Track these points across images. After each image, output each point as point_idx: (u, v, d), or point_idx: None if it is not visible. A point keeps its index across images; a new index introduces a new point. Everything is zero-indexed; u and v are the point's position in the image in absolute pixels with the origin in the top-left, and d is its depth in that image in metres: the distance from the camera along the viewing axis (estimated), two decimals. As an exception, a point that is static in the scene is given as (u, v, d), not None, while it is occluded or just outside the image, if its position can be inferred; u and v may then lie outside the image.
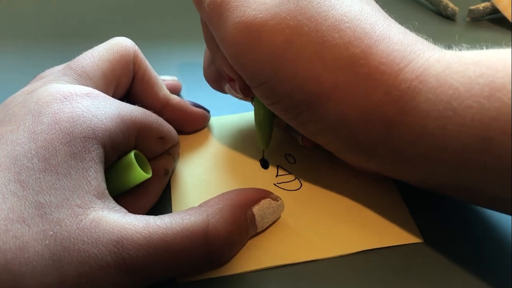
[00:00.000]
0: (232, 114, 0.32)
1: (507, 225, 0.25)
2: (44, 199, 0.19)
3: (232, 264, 0.23)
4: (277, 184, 0.27)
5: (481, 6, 0.41)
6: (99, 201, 0.20)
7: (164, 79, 0.31)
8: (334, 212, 0.26)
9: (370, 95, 0.21)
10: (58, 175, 0.19)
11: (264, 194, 0.24)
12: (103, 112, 0.22)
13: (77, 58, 0.25)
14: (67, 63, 0.26)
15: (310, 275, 0.23)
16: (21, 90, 0.24)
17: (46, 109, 0.21)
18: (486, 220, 0.25)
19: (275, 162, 0.29)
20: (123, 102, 0.24)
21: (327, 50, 0.22)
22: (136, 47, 0.28)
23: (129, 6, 0.45)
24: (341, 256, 0.24)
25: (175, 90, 0.33)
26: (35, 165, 0.19)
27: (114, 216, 0.20)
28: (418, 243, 0.24)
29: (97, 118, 0.21)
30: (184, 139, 0.30)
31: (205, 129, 0.31)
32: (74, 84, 0.24)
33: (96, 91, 0.23)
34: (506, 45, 0.21)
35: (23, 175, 0.19)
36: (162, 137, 0.25)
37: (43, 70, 0.27)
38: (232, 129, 0.31)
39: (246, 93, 0.26)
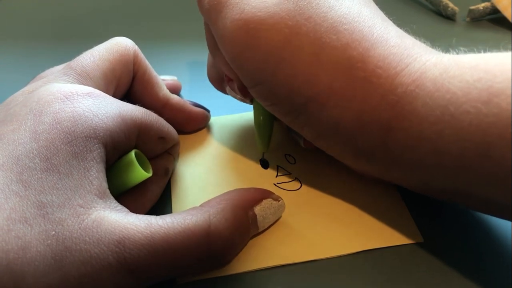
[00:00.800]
0: (232, 114, 0.32)
1: (507, 225, 0.25)
2: (46, 199, 0.19)
3: (232, 264, 0.23)
4: (277, 184, 0.27)
5: (481, 6, 0.41)
6: (101, 200, 0.20)
7: (164, 79, 0.31)
8: (334, 212, 0.26)
9: (367, 99, 0.21)
10: (60, 175, 0.19)
11: (265, 194, 0.24)
12: (104, 111, 0.22)
13: (77, 58, 0.25)
14: (67, 63, 0.26)
15: (310, 275, 0.23)
16: (21, 90, 0.24)
17: (47, 109, 0.21)
18: (486, 220, 0.25)
19: (275, 162, 0.29)
20: (123, 102, 0.24)
21: (325, 51, 0.21)
22: (136, 47, 0.28)
23: (129, 6, 0.45)
24: (341, 256, 0.24)
25: (175, 90, 0.33)
26: (37, 165, 0.19)
27: (116, 215, 0.20)
28: (418, 243, 0.24)
29: (98, 117, 0.21)
30: (184, 139, 0.30)
31: (205, 129, 0.31)
32: (74, 83, 0.24)
33: (97, 91, 0.23)
34: (504, 47, 0.21)
35: (25, 175, 0.19)
36: (162, 137, 0.25)
37: (43, 70, 0.27)
38: (232, 129, 0.31)
39: (244, 93, 0.26)
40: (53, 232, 0.18)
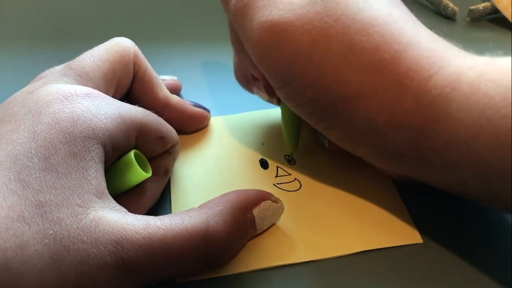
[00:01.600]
0: (232, 114, 0.32)
1: (507, 225, 0.25)
2: (44, 198, 0.19)
3: (232, 264, 0.23)
4: (276, 185, 0.27)
5: (481, 6, 0.41)
6: (99, 200, 0.20)
7: (164, 79, 0.31)
8: (334, 212, 0.26)
9: (399, 101, 0.21)
10: (58, 175, 0.19)
11: (264, 196, 0.24)
12: (103, 112, 0.22)
13: (77, 58, 0.25)
14: (67, 63, 0.26)
15: (310, 275, 0.23)
16: (21, 90, 0.24)
17: (46, 109, 0.21)
18: (486, 220, 0.25)
19: (274, 163, 0.29)
20: (123, 102, 0.24)
21: (355, 53, 0.21)
22: (136, 47, 0.28)
23: (129, 6, 0.45)
24: (340, 257, 0.24)
25: (175, 90, 0.33)
26: (35, 164, 0.19)
27: (114, 215, 0.20)
28: (417, 244, 0.24)
29: (97, 118, 0.21)
30: (184, 139, 0.30)
31: (205, 129, 0.31)
32: (74, 84, 0.24)
33: (96, 91, 0.23)
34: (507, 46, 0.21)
35: (23, 174, 0.19)
36: (162, 137, 0.25)
37: (43, 70, 0.27)
38: (232, 129, 0.31)
39: (270, 92, 0.26)
40: (51, 231, 0.18)
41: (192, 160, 0.29)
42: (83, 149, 0.20)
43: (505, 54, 0.21)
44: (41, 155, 0.20)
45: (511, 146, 0.18)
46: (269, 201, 0.24)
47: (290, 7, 0.22)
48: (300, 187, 0.27)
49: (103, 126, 0.21)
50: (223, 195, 0.23)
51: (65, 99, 0.22)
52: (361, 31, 0.21)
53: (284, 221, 0.25)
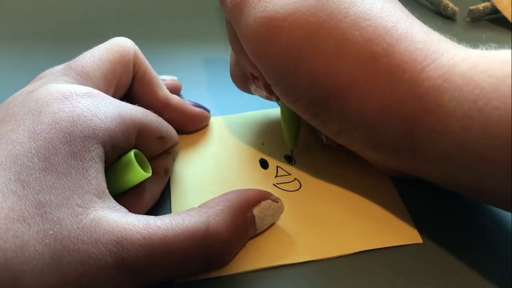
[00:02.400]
0: (232, 114, 0.32)
1: (507, 225, 0.25)
2: (44, 198, 0.19)
3: (232, 264, 0.23)
4: (276, 185, 0.27)
5: (481, 6, 0.41)
6: (99, 200, 0.20)
7: (164, 79, 0.31)
8: (334, 212, 0.26)
9: (391, 92, 0.21)
10: (58, 175, 0.19)
11: (264, 196, 0.24)
12: (103, 111, 0.22)
13: (77, 58, 0.25)
14: (67, 63, 0.26)
15: (310, 275, 0.23)
16: (21, 90, 0.24)
17: (46, 109, 0.21)
18: (486, 220, 0.25)
19: (274, 163, 0.29)
20: (123, 102, 0.24)
21: (347, 47, 0.21)
22: (136, 47, 0.28)
23: (129, 6, 0.45)
24: (340, 257, 0.24)
25: (175, 90, 0.33)
26: (35, 164, 0.19)
27: (114, 215, 0.20)
28: (417, 244, 0.24)
29: (97, 117, 0.21)
30: (184, 139, 0.30)
31: (205, 129, 0.31)
32: (74, 84, 0.24)
33: (96, 91, 0.23)
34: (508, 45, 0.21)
35: (23, 174, 0.19)
36: (162, 137, 0.25)
37: (43, 70, 0.27)
38: (232, 129, 0.31)
39: (270, 90, 0.26)
40: (51, 232, 0.18)
41: (192, 160, 0.29)
42: (83, 148, 0.20)
43: (498, 47, 0.21)
44: (41, 155, 0.20)
45: (501, 137, 0.18)
46: (269, 200, 0.24)
47: (285, 2, 0.22)
48: (300, 187, 0.27)
49: (103, 125, 0.21)
50: (223, 195, 0.23)
51: (65, 98, 0.22)
52: (354, 25, 0.22)
53: (284, 221, 0.25)
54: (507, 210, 0.22)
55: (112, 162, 0.23)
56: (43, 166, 0.19)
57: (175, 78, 0.34)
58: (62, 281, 0.18)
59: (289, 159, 0.29)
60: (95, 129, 0.21)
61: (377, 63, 0.21)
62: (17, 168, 0.19)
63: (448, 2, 0.41)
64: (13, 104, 0.22)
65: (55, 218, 0.18)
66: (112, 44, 0.27)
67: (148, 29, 0.42)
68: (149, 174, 0.24)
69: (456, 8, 0.41)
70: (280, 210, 0.24)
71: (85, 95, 0.22)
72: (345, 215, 0.25)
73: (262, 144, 0.30)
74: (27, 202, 0.18)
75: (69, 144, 0.20)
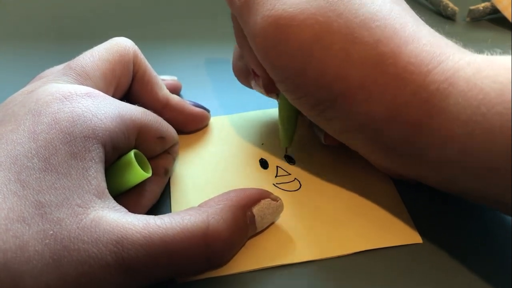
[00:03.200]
0: (232, 114, 0.32)
1: (507, 225, 0.25)
2: (44, 199, 0.19)
3: (232, 264, 0.23)
4: (276, 185, 0.27)
5: (481, 6, 0.41)
6: (99, 200, 0.20)
7: (164, 79, 0.31)
8: (333, 212, 0.26)
9: (397, 95, 0.21)
10: (58, 175, 0.19)
11: (264, 195, 0.24)
12: (103, 111, 0.22)
13: (77, 58, 0.25)
14: (67, 63, 0.26)
15: (310, 275, 0.23)
16: (21, 90, 0.24)
17: (46, 109, 0.21)
18: (486, 220, 0.25)
19: (274, 163, 0.29)
20: (123, 102, 0.24)
21: (356, 47, 0.21)
22: (136, 47, 0.28)
23: (129, 6, 0.45)
24: (340, 257, 0.24)
25: (175, 90, 0.33)
26: (35, 164, 0.19)
27: (114, 215, 0.20)
28: (417, 244, 0.24)
29: (97, 117, 0.21)
30: (184, 139, 0.30)
31: (205, 129, 0.31)
32: (74, 84, 0.24)
33: (96, 91, 0.23)
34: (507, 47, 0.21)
35: (23, 175, 0.19)
36: (161, 137, 0.25)
37: (43, 70, 0.27)
38: (232, 129, 0.31)
39: (268, 90, 0.26)
40: (51, 232, 0.18)
41: (192, 160, 0.29)
42: (83, 149, 0.20)
43: (503, 53, 0.21)
44: (41, 156, 0.20)
45: (503, 143, 0.18)
46: (269, 199, 0.24)
47: (294, 1, 0.22)
48: (300, 187, 0.27)
49: (103, 125, 0.21)
50: (223, 194, 0.23)
51: (65, 98, 0.22)
52: (363, 25, 0.22)
53: (284, 221, 0.25)
54: (508, 215, 0.22)
55: (112, 162, 0.23)
56: (43, 167, 0.19)
57: (175, 78, 0.34)
58: (62, 281, 0.18)
59: (289, 159, 0.29)
60: (95, 129, 0.21)
61: (385, 64, 0.21)
62: (17, 169, 0.19)
63: (448, 2, 0.41)
64: (13, 104, 0.22)
65: (55, 218, 0.18)
66: (112, 44, 0.27)
67: (148, 29, 0.42)
68: (149, 174, 0.24)
69: (456, 8, 0.41)
70: (279, 209, 0.25)
71: (85, 95, 0.22)
72: (345, 215, 0.25)
73: (262, 144, 0.30)
74: (27, 202, 0.18)
75: (69, 144, 0.20)
